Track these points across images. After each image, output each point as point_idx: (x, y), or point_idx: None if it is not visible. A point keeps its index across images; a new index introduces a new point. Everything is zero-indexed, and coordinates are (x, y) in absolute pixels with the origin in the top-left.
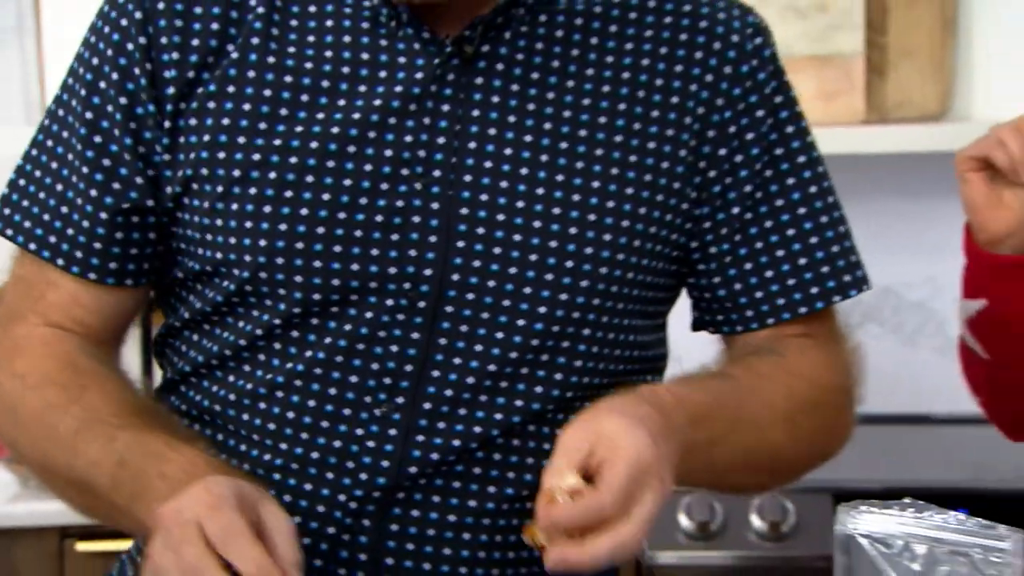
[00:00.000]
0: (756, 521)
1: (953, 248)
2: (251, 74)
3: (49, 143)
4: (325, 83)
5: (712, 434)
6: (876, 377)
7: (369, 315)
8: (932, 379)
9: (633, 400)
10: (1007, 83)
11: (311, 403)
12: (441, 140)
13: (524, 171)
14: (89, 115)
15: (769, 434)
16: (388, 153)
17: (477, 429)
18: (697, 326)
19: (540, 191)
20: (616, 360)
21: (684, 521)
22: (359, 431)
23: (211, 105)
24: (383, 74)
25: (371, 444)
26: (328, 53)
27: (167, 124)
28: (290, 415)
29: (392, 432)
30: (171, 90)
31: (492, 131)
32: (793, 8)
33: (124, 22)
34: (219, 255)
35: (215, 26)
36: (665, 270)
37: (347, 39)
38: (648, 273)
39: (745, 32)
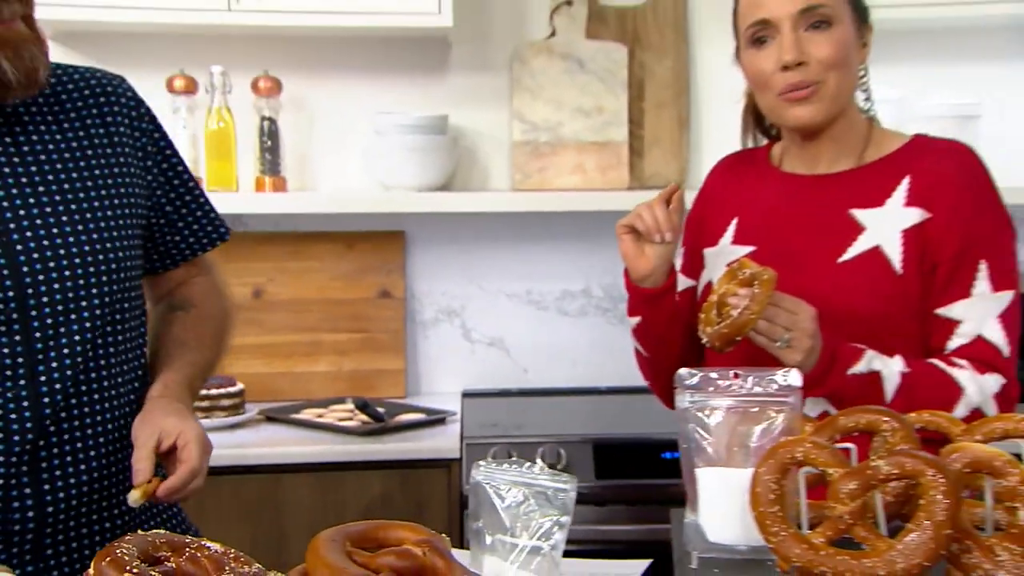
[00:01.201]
0: (539, 461)
1: None
2: None
3: None
4: None
5: (192, 386)
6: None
7: None
8: None
9: (168, 401)
10: None
11: None
12: None
13: (52, 222)
14: None
15: (212, 359)
16: None
17: (84, 388)
18: (145, 273)
19: (68, 231)
20: (140, 305)
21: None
22: (6, 410)
23: None
24: None
25: (14, 416)
26: None
27: None
28: None
29: (26, 403)
30: None
31: (14, 191)
32: (581, 111)
33: None
34: None
35: None
36: (142, 240)
37: None
38: (139, 248)
39: (128, 95)
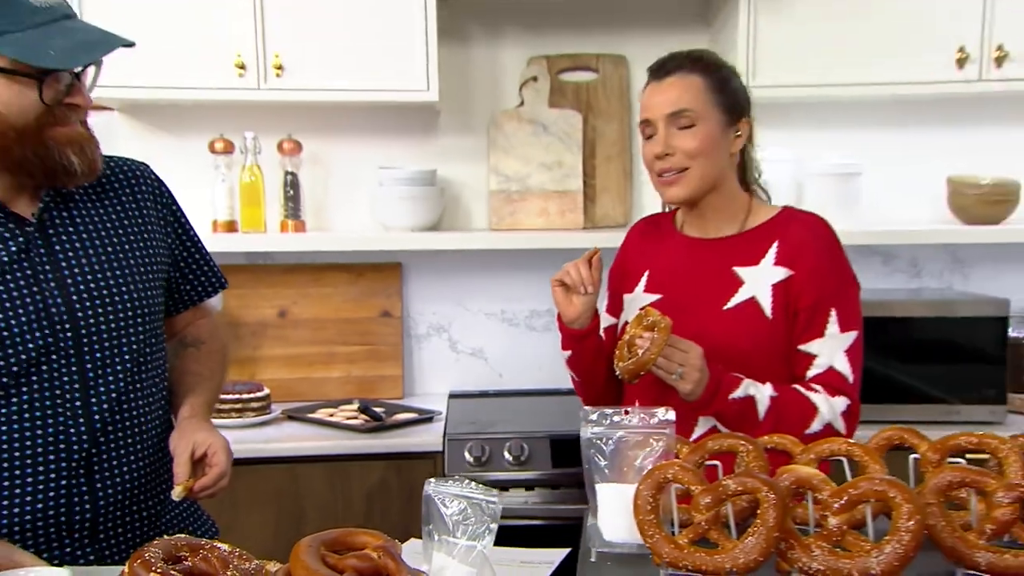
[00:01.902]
0: (506, 455)
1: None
2: None
3: None
4: None
5: (210, 408)
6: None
7: (45, 367)
8: None
9: (197, 420)
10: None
11: (39, 421)
12: (49, 270)
13: (100, 277)
14: None
15: (221, 384)
16: (12, 286)
17: (126, 406)
18: (166, 315)
19: (111, 283)
20: (164, 340)
21: (467, 456)
22: (66, 425)
23: None
24: None
25: (72, 430)
26: None
27: None
28: (27, 425)
29: (81, 420)
30: None
31: (71, 253)
32: (544, 165)
33: None
34: None
35: None
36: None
37: None
38: (163, 295)
39: (151, 178)
